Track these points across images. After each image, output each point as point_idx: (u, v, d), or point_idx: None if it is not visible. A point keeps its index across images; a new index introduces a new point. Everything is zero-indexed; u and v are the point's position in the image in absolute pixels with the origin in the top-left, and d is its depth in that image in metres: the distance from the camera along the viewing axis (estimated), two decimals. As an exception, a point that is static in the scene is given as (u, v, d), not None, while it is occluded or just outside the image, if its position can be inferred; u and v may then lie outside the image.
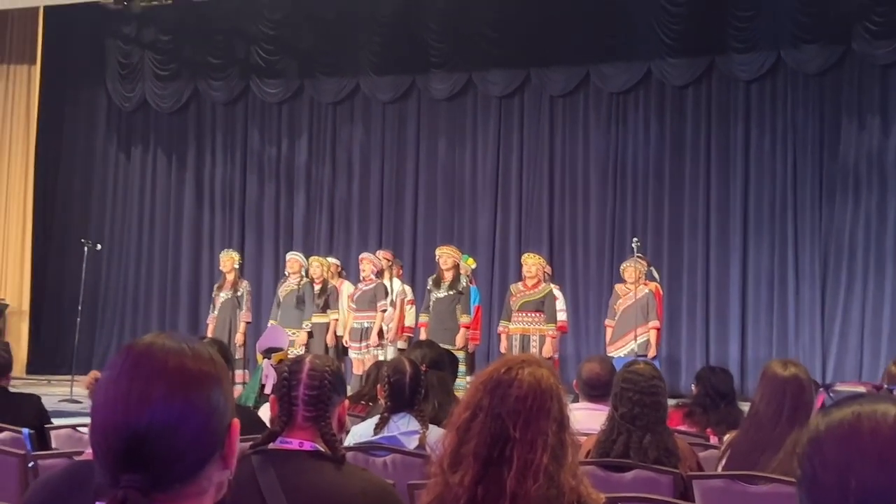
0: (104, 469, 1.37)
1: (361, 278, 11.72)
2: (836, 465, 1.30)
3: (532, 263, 11.07)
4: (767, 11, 12.87)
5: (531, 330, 10.87)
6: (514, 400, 2.14)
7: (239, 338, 12.02)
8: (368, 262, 11.65)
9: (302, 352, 11.01)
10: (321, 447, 2.68)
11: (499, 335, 11.32)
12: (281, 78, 15.28)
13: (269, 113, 15.66)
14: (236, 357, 11.53)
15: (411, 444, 4.16)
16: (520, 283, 11.20)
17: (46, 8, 14.92)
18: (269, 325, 11.72)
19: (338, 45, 14.83)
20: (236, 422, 1.43)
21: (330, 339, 11.78)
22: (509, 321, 10.99)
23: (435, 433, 4.04)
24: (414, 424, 4.20)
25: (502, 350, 11.02)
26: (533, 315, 10.88)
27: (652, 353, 10.84)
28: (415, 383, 4.28)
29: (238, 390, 10.51)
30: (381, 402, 4.45)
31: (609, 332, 11.21)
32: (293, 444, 2.67)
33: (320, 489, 2.57)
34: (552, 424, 2.16)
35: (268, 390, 7.23)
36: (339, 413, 2.75)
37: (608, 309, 11.43)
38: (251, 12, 15.12)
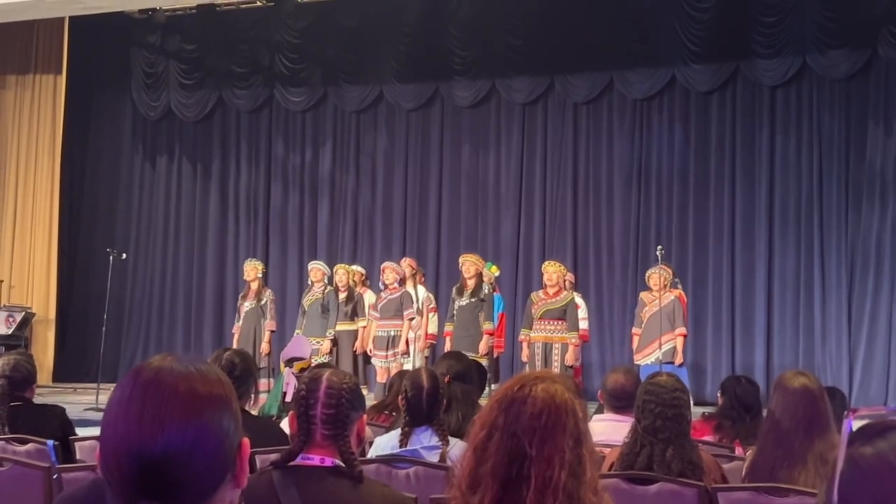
0: (117, 494, 1.36)
1: (384, 286, 11.70)
2: None
3: (553, 271, 11.03)
4: (792, 16, 12.78)
5: (554, 338, 10.84)
6: (529, 417, 2.13)
7: (264, 347, 12.06)
8: (391, 271, 11.63)
9: (326, 360, 11.02)
10: (341, 463, 2.67)
11: (520, 343, 11.31)
12: (305, 86, 15.32)
13: (293, 121, 15.69)
14: (262, 366, 11.56)
15: (432, 458, 4.13)
16: (540, 292, 11.16)
17: (72, 18, 15.01)
18: (294, 334, 11.74)
19: (361, 54, 14.87)
20: (246, 441, 1.43)
21: (359, 347, 11.77)
22: (530, 329, 10.96)
23: (459, 447, 4.02)
24: (435, 439, 4.16)
25: (524, 359, 11.01)
26: (555, 323, 10.85)
27: (679, 360, 10.77)
28: (432, 398, 4.18)
29: (262, 399, 10.59)
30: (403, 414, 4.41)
31: (636, 340, 11.15)
32: (314, 460, 2.67)
33: None
34: (568, 440, 2.14)
35: (289, 398, 7.22)
36: (357, 428, 2.74)
37: (634, 317, 11.36)
38: (275, 21, 15.18)
